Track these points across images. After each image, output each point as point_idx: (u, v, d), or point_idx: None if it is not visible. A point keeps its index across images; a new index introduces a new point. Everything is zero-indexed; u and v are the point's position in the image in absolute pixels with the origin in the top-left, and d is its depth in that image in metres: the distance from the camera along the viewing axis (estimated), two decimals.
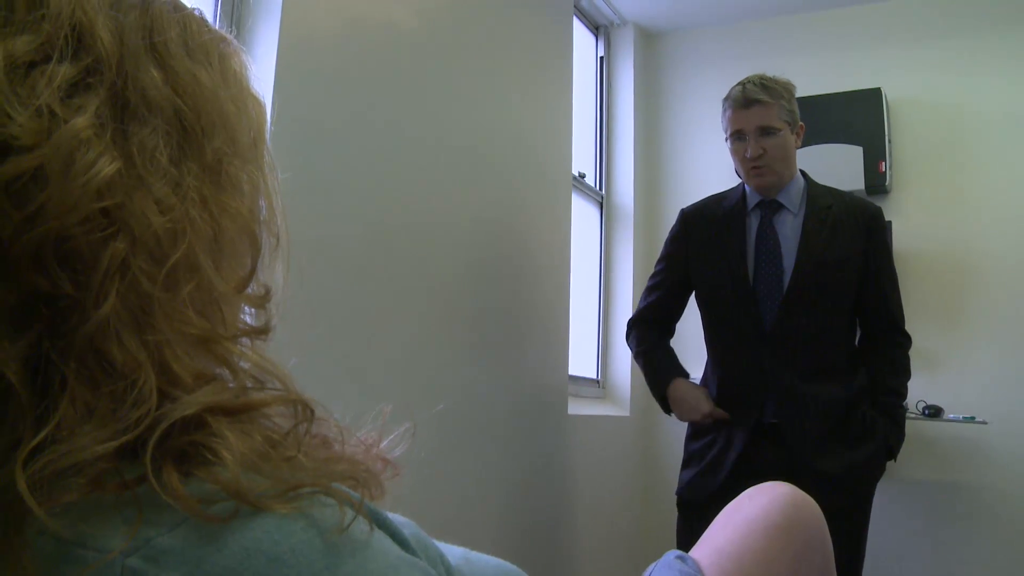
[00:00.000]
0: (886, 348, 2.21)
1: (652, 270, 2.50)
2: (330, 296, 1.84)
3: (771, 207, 2.23)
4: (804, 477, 2.05)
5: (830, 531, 2.06)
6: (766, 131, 2.16)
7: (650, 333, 2.45)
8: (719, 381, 2.28)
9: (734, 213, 2.27)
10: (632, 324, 2.50)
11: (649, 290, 2.48)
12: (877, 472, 2.14)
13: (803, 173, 2.29)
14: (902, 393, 2.18)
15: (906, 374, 2.21)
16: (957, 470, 3.15)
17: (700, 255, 2.33)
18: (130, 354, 0.46)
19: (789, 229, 2.20)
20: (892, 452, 2.14)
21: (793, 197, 2.23)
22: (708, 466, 2.22)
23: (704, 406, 2.25)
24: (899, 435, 2.15)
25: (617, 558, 3.28)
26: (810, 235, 2.16)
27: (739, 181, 2.32)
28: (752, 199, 2.26)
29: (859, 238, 2.18)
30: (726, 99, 2.25)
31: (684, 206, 2.47)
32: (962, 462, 3.15)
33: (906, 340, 2.23)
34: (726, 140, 2.26)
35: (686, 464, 2.32)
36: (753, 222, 2.24)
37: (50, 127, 0.46)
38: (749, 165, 2.20)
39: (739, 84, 2.22)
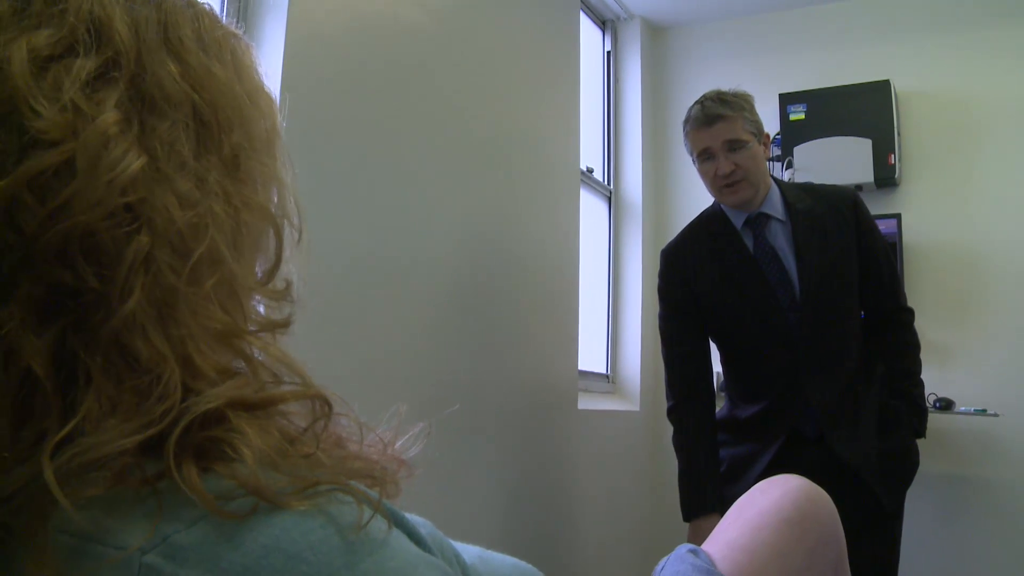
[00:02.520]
0: (893, 329, 2.19)
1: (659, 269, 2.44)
2: (337, 293, 1.84)
3: (759, 221, 2.16)
4: (854, 485, 2.04)
5: (876, 534, 2.03)
6: (733, 145, 2.09)
7: (694, 423, 2.21)
8: (758, 407, 2.17)
9: (727, 235, 2.19)
10: (676, 409, 2.24)
11: (671, 358, 2.27)
12: (915, 460, 2.13)
13: (774, 179, 2.23)
14: (915, 371, 2.17)
15: (916, 349, 2.19)
16: (969, 463, 3.14)
17: (707, 287, 2.21)
18: (155, 348, 0.46)
19: (783, 239, 2.14)
20: (919, 433, 2.12)
21: (776, 205, 2.16)
22: (731, 470, 2.17)
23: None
24: (923, 416, 2.14)
25: (627, 552, 3.28)
26: (803, 245, 2.11)
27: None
28: (738, 218, 2.18)
29: (849, 230, 2.14)
30: (686, 121, 2.16)
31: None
32: (974, 455, 3.13)
33: (910, 315, 2.21)
34: (694, 163, 2.18)
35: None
36: (748, 240, 2.17)
37: (76, 122, 0.46)
38: (722, 183, 2.12)
39: (696, 103, 2.15)
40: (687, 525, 2.26)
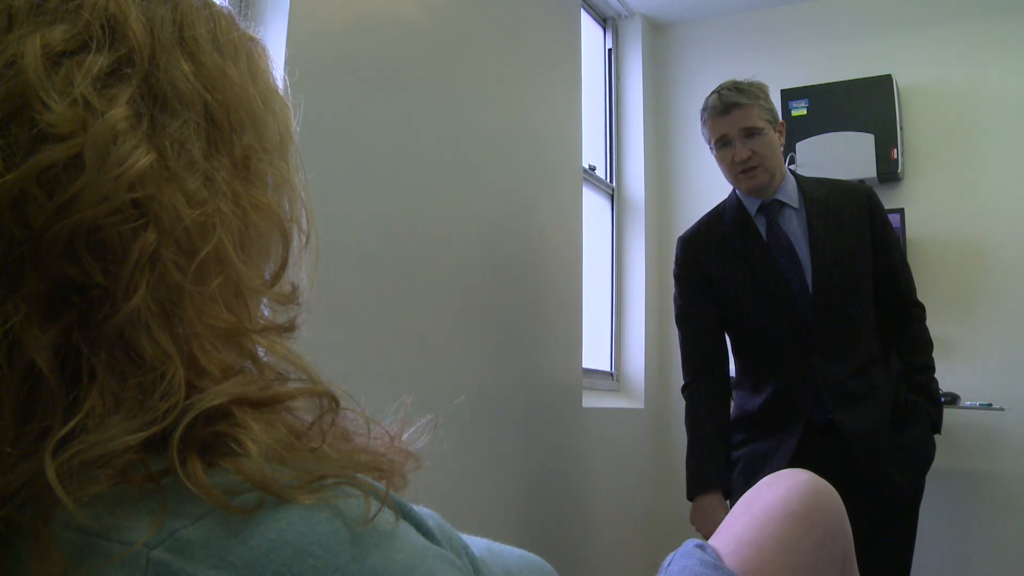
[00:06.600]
0: (906, 324, 2.22)
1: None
2: (341, 294, 1.84)
3: (773, 208, 2.21)
4: (872, 480, 2.05)
5: (890, 528, 2.05)
6: (750, 132, 2.15)
7: (706, 400, 2.27)
8: (767, 393, 2.19)
9: (741, 222, 2.24)
10: (689, 386, 2.31)
11: (685, 336, 2.33)
12: (930, 455, 2.14)
13: (790, 170, 2.29)
14: (931, 366, 2.20)
15: (929, 346, 2.22)
16: (974, 457, 3.13)
17: (721, 272, 2.26)
18: (159, 346, 0.46)
19: (796, 226, 2.19)
20: (936, 428, 2.15)
21: (791, 193, 2.22)
22: (753, 463, 2.15)
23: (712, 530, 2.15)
24: (939, 410, 2.17)
25: (632, 548, 3.27)
26: (818, 231, 2.15)
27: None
28: (752, 205, 2.23)
29: (864, 222, 2.18)
30: (703, 109, 2.23)
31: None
32: (979, 449, 3.13)
33: (922, 311, 2.24)
34: (711, 150, 2.24)
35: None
36: (761, 226, 2.22)
37: (86, 117, 0.46)
38: (739, 169, 2.17)
39: (713, 92, 2.21)
40: (689, 521, 2.26)
